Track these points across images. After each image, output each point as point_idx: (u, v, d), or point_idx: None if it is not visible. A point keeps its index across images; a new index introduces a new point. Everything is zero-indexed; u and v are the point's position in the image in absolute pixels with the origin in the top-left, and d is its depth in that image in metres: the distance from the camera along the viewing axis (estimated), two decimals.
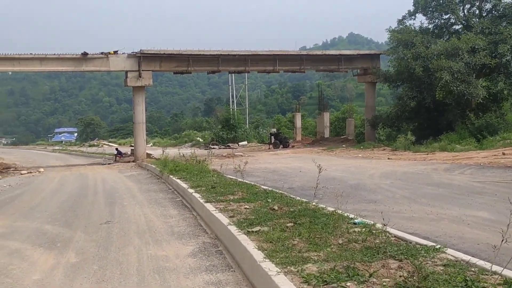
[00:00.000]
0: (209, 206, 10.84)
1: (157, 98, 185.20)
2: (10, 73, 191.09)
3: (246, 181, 15.91)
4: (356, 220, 8.54)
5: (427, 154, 28.64)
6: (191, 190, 14.20)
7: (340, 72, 52.30)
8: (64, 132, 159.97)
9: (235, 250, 7.49)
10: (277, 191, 13.34)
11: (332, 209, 9.65)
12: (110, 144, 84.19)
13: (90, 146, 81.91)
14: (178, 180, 17.97)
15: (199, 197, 12.55)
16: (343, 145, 43.01)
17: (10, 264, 8.25)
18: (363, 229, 7.59)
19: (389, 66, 44.21)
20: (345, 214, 9.21)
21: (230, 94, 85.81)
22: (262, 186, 14.80)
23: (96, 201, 16.30)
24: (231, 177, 18.67)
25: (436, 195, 13.42)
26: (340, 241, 6.94)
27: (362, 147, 39.04)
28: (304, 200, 11.39)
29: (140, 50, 39.34)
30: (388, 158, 28.17)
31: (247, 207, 10.42)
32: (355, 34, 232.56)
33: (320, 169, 10.71)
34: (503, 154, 23.82)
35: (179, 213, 12.45)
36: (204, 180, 16.66)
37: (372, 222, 8.18)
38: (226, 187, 14.35)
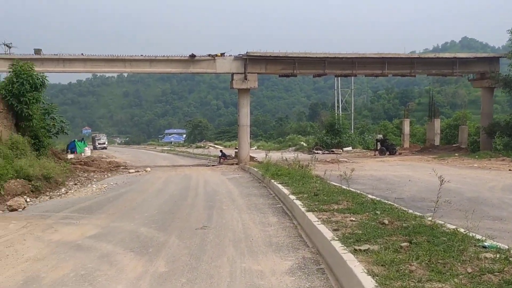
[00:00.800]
0: (311, 216, 9.91)
1: (262, 102, 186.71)
2: (125, 75, 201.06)
3: (351, 189, 14.80)
4: (485, 243, 7.21)
5: None
6: (292, 197, 13.34)
7: (454, 77, 49.37)
8: (173, 133, 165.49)
9: (340, 271, 6.50)
10: (386, 201, 12.15)
11: (453, 226, 8.35)
12: (215, 146, 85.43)
13: (196, 147, 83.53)
14: (279, 185, 17.19)
15: (301, 204, 11.65)
16: (456, 154, 40.34)
17: (98, 269, 7.80)
18: (497, 255, 6.31)
19: (510, 71, 40.98)
20: (470, 234, 7.86)
21: (336, 98, 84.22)
22: (369, 196, 13.63)
23: (195, 203, 15.88)
24: (335, 184, 17.62)
25: None
26: (470, 270, 5.74)
27: (477, 156, 36.33)
28: (417, 214, 10.13)
29: (246, 52, 39.14)
30: (510, 170, 25.77)
31: (353, 219, 9.38)
32: (468, 38, 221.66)
33: (442, 180, 9.31)
34: None
35: (278, 221, 11.63)
36: (307, 186, 15.74)
37: (507, 247, 6.85)
38: (329, 194, 13.34)
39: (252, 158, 39.56)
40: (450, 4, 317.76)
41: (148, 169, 35.21)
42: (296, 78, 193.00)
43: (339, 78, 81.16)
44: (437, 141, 52.96)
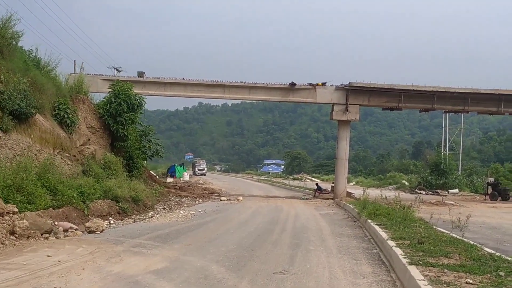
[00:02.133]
0: (414, 272, 7.94)
1: (364, 138, 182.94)
2: (229, 104, 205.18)
3: (462, 239, 12.56)
4: None
5: None
6: (391, 243, 11.36)
7: None
8: (272, 163, 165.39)
9: None
10: (509, 258, 9.86)
11: None
12: (312, 179, 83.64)
13: (293, 179, 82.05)
14: (376, 227, 15.17)
15: (401, 254, 9.67)
16: None
17: None
18: None
19: None
20: None
21: (443, 136, 79.82)
22: (485, 248, 11.37)
23: (280, 240, 14.24)
24: (442, 230, 15.34)
25: None
26: None
27: None
28: None
29: (349, 82, 37.38)
30: None
31: (470, 281, 7.32)
32: None
33: None
34: None
35: (373, 272, 9.69)
36: (409, 231, 13.64)
37: None
38: (437, 244, 11.23)
39: (349, 194, 37.46)
40: None
41: (240, 198, 34.11)
42: (400, 114, 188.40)
43: (448, 115, 77.04)
44: None
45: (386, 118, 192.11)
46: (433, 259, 9.16)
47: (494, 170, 69.61)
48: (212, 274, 9.29)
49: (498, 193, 43.02)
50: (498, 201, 41.02)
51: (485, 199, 43.09)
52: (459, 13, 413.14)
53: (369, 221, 17.09)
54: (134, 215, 20.90)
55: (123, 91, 27.73)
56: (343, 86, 37.63)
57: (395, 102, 38.11)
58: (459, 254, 9.65)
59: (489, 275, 7.62)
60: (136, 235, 14.52)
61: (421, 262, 8.63)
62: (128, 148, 28.78)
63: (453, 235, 13.75)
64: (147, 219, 19.69)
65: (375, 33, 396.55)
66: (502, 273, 7.84)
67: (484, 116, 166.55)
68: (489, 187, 44.84)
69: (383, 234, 13.27)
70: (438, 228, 15.54)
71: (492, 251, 10.94)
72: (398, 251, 10.08)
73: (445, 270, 7.96)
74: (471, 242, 11.90)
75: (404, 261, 8.84)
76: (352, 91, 37.31)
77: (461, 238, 12.61)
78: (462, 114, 79.54)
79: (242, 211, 24.90)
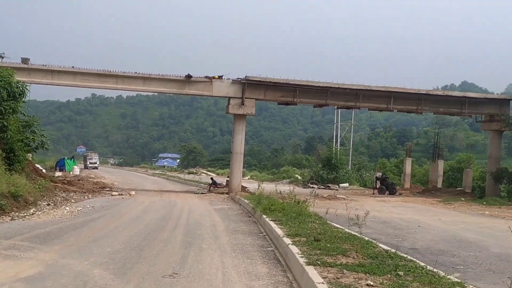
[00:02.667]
0: (312, 273, 7.46)
1: (259, 132, 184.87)
2: (124, 96, 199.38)
3: (357, 234, 12.43)
4: None
5: None
6: (287, 240, 10.91)
7: (462, 116, 47.24)
8: (167, 157, 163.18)
9: None
10: (404, 255, 9.71)
11: None
12: (208, 173, 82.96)
13: (188, 173, 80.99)
14: (271, 223, 14.76)
15: (298, 253, 9.21)
16: (462, 199, 37.94)
17: None
18: None
19: None
20: None
21: (334, 132, 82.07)
22: (381, 245, 11.24)
23: (172, 238, 13.42)
24: (336, 225, 15.23)
25: None
26: None
27: (485, 203, 33.91)
28: (455, 279, 7.68)
29: (245, 76, 37.05)
30: None
31: (371, 283, 6.94)
32: (468, 83, 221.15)
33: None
34: None
35: (269, 272, 9.15)
36: (304, 227, 13.33)
37: None
38: (333, 241, 10.94)
39: (244, 188, 37.21)
40: (450, 48, 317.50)
41: (133, 192, 32.74)
42: (294, 110, 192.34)
43: (339, 111, 79.28)
44: (439, 184, 50.60)
45: (280, 113, 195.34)
46: (330, 258, 8.77)
47: (381, 165, 72.60)
48: (93, 279, 8.35)
49: (386, 187, 44.63)
50: (386, 195, 42.53)
51: (373, 193, 44.54)
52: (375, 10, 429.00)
53: (264, 216, 16.68)
54: (13, 213, 19.13)
55: (3, 77, 25.48)
56: (239, 79, 37.23)
57: (290, 97, 38.27)
58: (356, 252, 9.36)
59: (389, 275, 7.31)
60: (12, 235, 13.13)
61: (319, 262, 8.19)
62: (8, 139, 26.52)
63: (348, 230, 13.63)
64: (27, 217, 18.07)
65: (275, 25, 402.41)
66: (401, 273, 7.56)
67: (372, 113, 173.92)
68: (377, 181, 46.40)
69: (278, 230, 12.84)
70: (333, 224, 15.42)
71: (388, 248, 10.82)
72: (295, 249, 9.63)
73: (344, 270, 7.56)
74: (366, 238, 11.75)
75: (301, 261, 8.37)
76: (248, 85, 37.01)
77: (356, 234, 12.47)
78: (353, 111, 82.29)
79: (133, 206, 23.76)
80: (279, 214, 16.91)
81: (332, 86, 37.96)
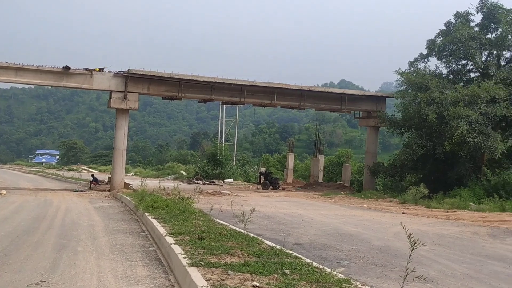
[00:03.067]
0: (195, 275, 6.99)
1: (143, 128, 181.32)
2: None
3: (242, 231, 12.15)
4: None
5: (447, 212, 24.92)
6: (170, 240, 10.37)
7: (342, 112, 48.82)
8: (45, 154, 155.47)
9: None
10: (289, 251, 9.53)
11: None
12: (89, 170, 79.99)
13: (68, 170, 77.46)
14: (154, 221, 14.12)
15: (181, 253, 8.69)
16: (342, 192, 39.22)
17: None
18: None
19: (395, 111, 40.99)
20: None
21: (219, 128, 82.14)
22: (266, 241, 11.02)
23: (43, 241, 12.36)
24: (221, 222, 14.91)
25: None
26: None
27: (363, 196, 35.26)
28: (341, 276, 7.54)
29: (128, 69, 35.75)
30: (403, 213, 24.42)
31: (257, 284, 6.59)
32: (346, 81, 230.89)
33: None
34: None
35: (149, 275, 8.54)
36: (188, 225, 12.83)
37: None
38: (217, 238, 10.56)
39: (126, 185, 35.96)
40: (328, 49, 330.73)
41: (4, 191, 30.42)
42: (179, 105, 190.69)
43: (224, 107, 79.48)
44: (320, 178, 52.14)
45: (165, 109, 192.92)
46: (215, 257, 8.35)
47: (265, 160, 73.66)
48: None
49: (269, 182, 45.20)
50: (269, 190, 43.06)
51: (258, 188, 44.95)
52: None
53: (147, 214, 15.98)
54: None
55: None
56: (121, 73, 35.87)
57: (175, 92, 37.53)
58: (242, 250, 9.01)
59: (275, 274, 7.00)
60: None
61: (202, 263, 7.72)
62: None
63: (233, 227, 13.34)
64: None
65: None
66: (287, 271, 7.31)
67: (256, 109, 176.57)
68: (261, 176, 46.91)
69: (161, 229, 12.25)
70: (218, 220, 15.08)
71: (273, 244, 10.62)
72: (177, 249, 9.11)
73: (229, 271, 7.16)
74: (251, 235, 11.48)
75: (184, 262, 7.87)
76: (131, 78, 35.77)
77: (242, 230, 12.19)
78: (237, 107, 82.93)
79: (3, 207, 21.97)
80: (163, 211, 16.30)
81: (217, 81, 37.67)
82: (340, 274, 7.46)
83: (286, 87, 39.56)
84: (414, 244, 5.99)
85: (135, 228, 15.32)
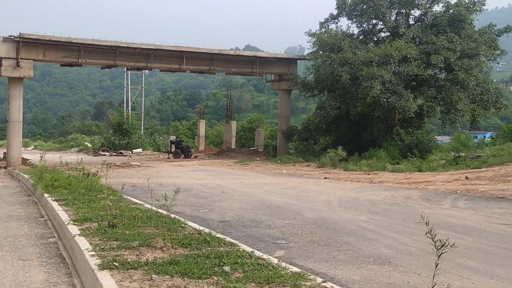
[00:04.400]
0: (108, 285, 5.28)
1: (43, 99, 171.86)
2: None
3: (160, 211, 10.51)
4: None
5: (368, 174, 24.35)
6: (73, 229, 8.51)
7: (254, 76, 47.50)
8: None
9: None
10: (220, 236, 7.97)
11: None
12: None
13: None
14: (55, 203, 12.10)
15: (88, 249, 6.89)
16: (257, 158, 38.14)
17: None
18: None
19: (306, 74, 40.20)
20: None
21: (125, 96, 78.72)
22: (190, 223, 9.45)
23: None
24: (134, 200, 13.12)
25: (476, 250, 8.69)
26: None
27: (279, 161, 34.33)
28: (294, 269, 6.09)
29: (20, 33, 32.41)
30: (325, 178, 23.51)
31: None
32: (251, 46, 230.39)
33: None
34: (466, 178, 19.92)
35: (47, 280, 6.66)
36: (95, 207, 10.96)
37: None
38: (132, 224, 8.82)
39: (25, 161, 33.02)
40: (234, 15, 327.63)
41: None
42: (80, 75, 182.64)
43: (129, 74, 76.20)
44: (233, 144, 50.86)
45: (66, 78, 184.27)
46: (132, 252, 6.64)
47: (174, 128, 71.45)
48: None
49: (181, 150, 43.37)
50: (181, 159, 41.29)
51: (169, 158, 43.10)
52: None
53: (46, 195, 13.86)
54: None
55: None
56: (12, 37, 32.54)
57: (74, 58, 34.60)
58: (164, 239, 7.36)
59: (214, 277, 5.41)
60: None
61: (116, 263, 5.98)
62: None
63: (149, 206, 11.65)
64: None
65: None
66: (227, 268, 5.75)
67: (162, 76, 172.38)
68: (172, 145, 44.97)
69: (62, 214, 10.31)
70: (130, 198, 13.27)
71: (198, 226, 9.07)
72: (84, 243, 7.31)
73: (153, 275, 5.50)
74: (171, 215, 9.84)
75: (93, 262, 6.11)
76: (24, 43, 32.48)
77: (159, 210, 10.53)
78: (143, 74, 79.94)
79: None
80: (65, 191, 14.26)
81: (121, 45, 35.14)
82: (293, 268, 6.01)
83: (196, 50, 37.63)
84: None
85: (33, 212, 13.18)
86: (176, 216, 9.94)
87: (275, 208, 13.48)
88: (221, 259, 6.16)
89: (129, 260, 6.18)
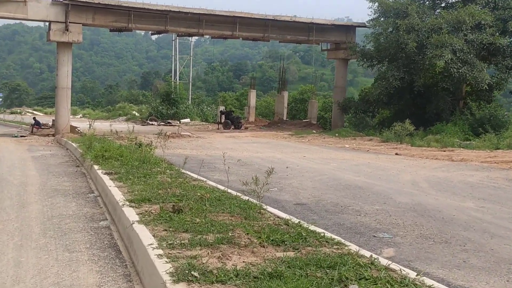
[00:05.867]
0: None
1: (91, 68, 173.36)
2: None
3: (228, 190, 8.88)
4: None
5: (444, 151, 22.16)
6: (130, 213, 6.92)
7: (310, 44, 45.19)
8: None
9: None
10: (315, 229, 6.21)
11: None
12: (34, 112, 74.58)
13: (11, 113, 71.94)
14: (106, 177, 10.63)
15: (153, 246, 5.25)
16: (313, 131, 36.24)
17: None
18: None
19: (364, 42, 37.73)
20: None
21: (173, 65, 77.55)
22: (270, 209, 7.75)
23: None
24: (193, 175, 11.54)
25: None
26: None
27: (337, 134, 32.29)
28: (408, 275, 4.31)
29: None
30: (396, 154, 21.47)
31: None
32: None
33: None
34: None
35: (99, 286, 5.13)
36: (153, 184, 9.38)
37: None
38: (201, 208, 7.16)
39: (73, 129, 32.09)
40: None
41: None
42: (128, 45, 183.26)
43: (177, 43, 74.94)
44: (284, 116, 48.92)
45: (113, 48, 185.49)
46: (211, 253, 4.96)
47: (222, 98, 70.03)
48: None
49: (231, 121, 41.81)
50: (231, 130, 39.78)
51: (218, 128, 41.68)
52: None
53: (96, 167, 12.43)
54: None
55: None
56: (61, 0, 31.26)
57: (124, 22, 33.21)
58: (246, 232, 5.69)
59: None
60: None
61: (196, 274, 4.30)
62: None
63: (212, 183, 10.05)
64: None
65: None
66: (344, 273, 4.01)
67: (207, 47, 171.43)
68: (222, 116, 43.42)
69: (116, 192, 8.76)
70: (189, 173, 11.68)
71: (284, 214, 7.36)
72: (146, 235, 5.68)
73: None
74: (244, 197, 8.17)
75: (162, 269, 4.46)
76: (73, 6, 31.26)
77: (221, 188, 8.89)
78: (191, 43, 78.48)
79: None
80: (116, 163, 12.80)
81: (172, 9, 33.51)
82: (408, 272, 4.22)
83: (249, 16, 35.69)
84: None
85: (81, 186, 11.75)
86: (250, 199, 8.25)
87: (355, 188, 11.67)
88: (338, 269, 4.41)
89: (211, 267, 4.49)
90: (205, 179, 10.83)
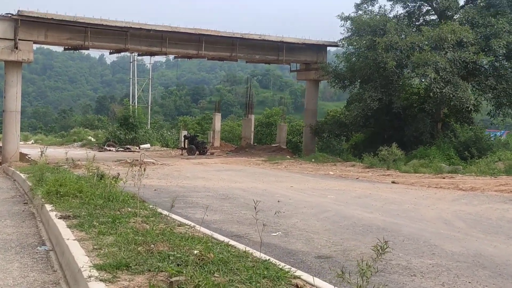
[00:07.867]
0: None
1: (44, 93, 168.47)
2: None
3: (230, 242, 6.45)
4: None
5: (444, 178, 20.13)
6: None
7: (280, 64, 43.19)
8: None
9: None
10: None
11: None
12: None
13: None
14: (62, 224, 8.01)
15: None
16: (287, 156, 33.96)
17: None
18: None
19: (336, 63, 35.96)
20: None
21: (131, 89, 74.58)
22: (304, 275, 5.35)
23: None
24: (175, 217, 9.05)
25: None
26: None
27: (313, 160, 30.11)
28: None
29: (18, 11, 28.38)
30: (393, 182, 19.33)
31: None
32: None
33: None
34: None
35: None
36: (127, 235, 6.85)
37: None
38: (206, 278, 4.70)
39: (23, 156, 29.10)
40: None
41: None
42: (82, 69, 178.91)
43: (135, 65, 72.42)
44: (252, 140, 46.59)
45: (67, 72, 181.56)
46: None
47: (183, 122, 67.55)
48: None
49: (196, 146, 39.27)
50: (196, 156, 37.25)
51: (182, 154, 39.15)
52: None
53: (48, 207, 9.76)
54: None
55: None
56: (10, 15, 28.53)
57: (80, 40, 30.56)
58: None
59: None
60: None
61: None
62: None
63: (205, 230, 7.60)
64: None
65: None
66: None
67: (164, 72, 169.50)
68: (185, 140, 40.87)
69: (77, 250, 6.20)
70: (167, 213, 9.19)
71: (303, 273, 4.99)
72: None
73: None
74: (257, 254, 5.77)
75: None
76: (23, 22, 28.44)
77: (210, 234, 6.46)
78: (151, 65, 75.93)
79: None
80: (75, 201, 10.19)
81: (133, 26, 31.10)
82: None
83: (216, 33, 33.46)
84: None
85: (29, 233, 9.04)
86: (271, 258, 5.82)
87: (379, 230, 9.36)
88: None
89: None
90: (193, 224, 8.33)
